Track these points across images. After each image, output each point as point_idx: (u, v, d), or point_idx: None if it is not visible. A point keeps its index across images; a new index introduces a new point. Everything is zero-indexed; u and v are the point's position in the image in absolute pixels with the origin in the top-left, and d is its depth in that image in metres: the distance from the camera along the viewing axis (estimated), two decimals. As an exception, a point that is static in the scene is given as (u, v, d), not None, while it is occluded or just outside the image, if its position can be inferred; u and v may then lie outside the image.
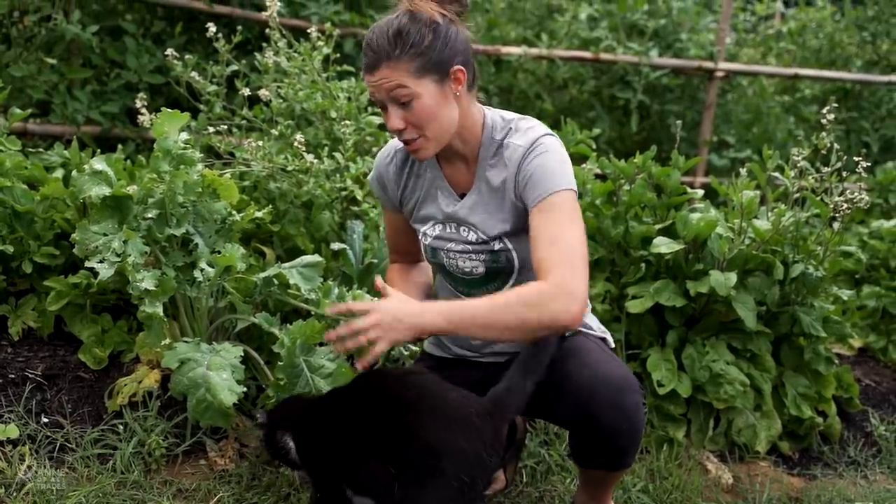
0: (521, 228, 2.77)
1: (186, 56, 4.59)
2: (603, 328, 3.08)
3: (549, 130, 2.76)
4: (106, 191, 3.22)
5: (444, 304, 2.60)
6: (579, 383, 2.61)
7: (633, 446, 2.67)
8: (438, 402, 2.53)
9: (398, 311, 2.56)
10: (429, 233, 2.93)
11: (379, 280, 2.67)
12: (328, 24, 4.61)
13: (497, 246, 2.81)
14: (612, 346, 3.04)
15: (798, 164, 3.99)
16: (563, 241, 2.60)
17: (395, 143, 2.98)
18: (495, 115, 2.84)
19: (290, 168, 4.08)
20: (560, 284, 2.54)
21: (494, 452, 2.50)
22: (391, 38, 2.60)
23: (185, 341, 3.17)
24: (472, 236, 2.83)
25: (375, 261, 3.96)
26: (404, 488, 2.44)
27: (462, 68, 2.70)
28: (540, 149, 2.69)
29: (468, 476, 2.44)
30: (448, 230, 2.88)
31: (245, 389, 3.07)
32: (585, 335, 2.91)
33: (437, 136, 2.69)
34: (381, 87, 2.63)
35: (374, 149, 4.40)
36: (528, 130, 2.75)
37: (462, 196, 2.84)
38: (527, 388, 2.57)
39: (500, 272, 2.86)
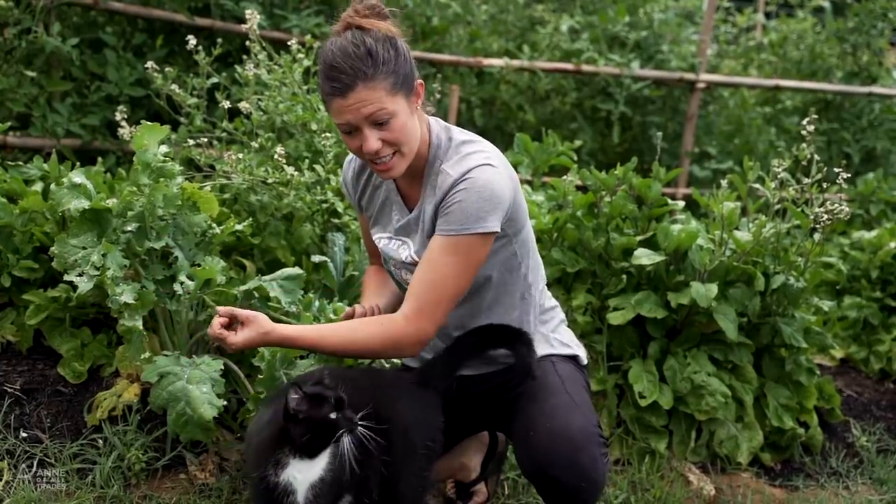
0: None
1: (167, 68, 4.57)
2: (577, 342, 3.09)
3: (487, 159, 2.69)
4: (85, 204, 3.20)
5: (299, 340, 2.70)
6: (537, 438, 2.70)
7: (596, 496, 2.73)
8: (389, 382, 2.78)
9: (259, 342, 2.68)
10: (380, 245, 2.96)
11: (222, 310, 2.73)
12: (309, 37, 4.61)
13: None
14: (585, 362, 3.06)
15: (779, 175, 4.01)
16: (440, 285, 2.68)
17: None
18: (441, 132, 2.79)
19: (270, 180, 4.07)
20: (416, 336, 2.70)
21: (439, 413, 2.79)
22: (363, 58, 2.55)
23: (165, 355, 3.16)
24: (405, 254, 2.84)
25: (356, 273, 3.95)
26: (390, 473, 2.60)
27: (422, 81, 2.71)
28: (466, 183, 2.64)
29: (432, 441, 2.72)
30: (392, 245, 2.90)
31: (225, 403, 3.05)
32: (552, 362, 2.93)
33: (409, 151, 2.68)
34: (360, 110, 2.57)
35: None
36: (464, 158, 2.70)
37: (411, 211, 2.85)
38: (451, 361, 2.86)
39: None
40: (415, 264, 2.79)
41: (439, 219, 2.68)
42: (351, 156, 3.00)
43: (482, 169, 2.66)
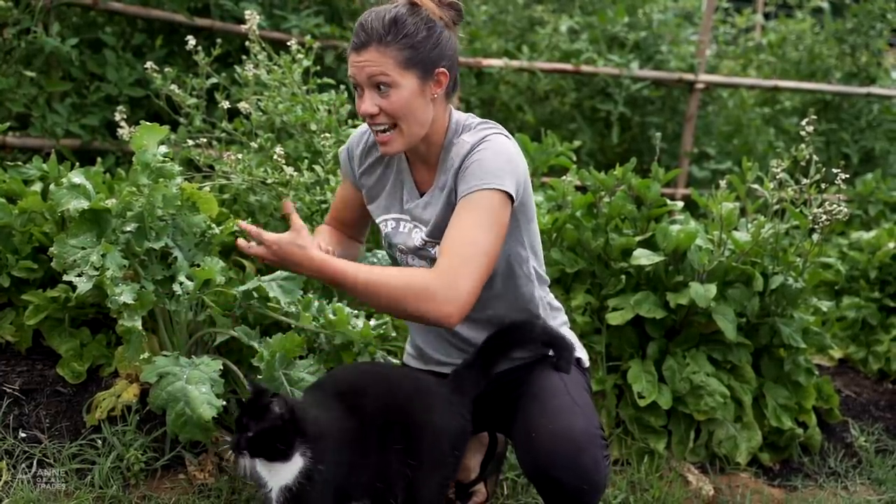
0: None
1: (166, 69, 4.58)
2: (579, 345, 3.10)
3: (504, 132, 2.77)
4: (84, 204, 3.20)
5: (332, 266, 2.62)
6: (539, 440, 2.70)
7: (597, 498, 2.73)
8: (427, 389, 2.73)
9: (293, 259, 2.61)
10: (383, 227, 2.96)
11: (289, 205, 2.66)
12: (308, 37, 4.61)
13: (436, 253, 2.81)
14: (587, 365, 3.06)
15: (778, 176, 4.01)
16: (469, 240, 2.61)
17: None
18: (461, 119, 2.84)
19: (270, 181, 4.07)
20: (448, 285, 2.56)
21: (470, 422, 2.75)
22: (386, 23, 2.62)
23: (164, 355, 3.16)
24: (417, 237, 2.84)
25: (356, 273, 3.95)
26: (415, 477, 2.60)
27: (446, 71, 2.73)
28: (484, 144, 2.69)
29: (459, 450, 2.70)
30: (402, 228, 2.91)
31: (224, 403, 3.05)
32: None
33: (410, 131, 2.70)
34: (364, 68, 2.64)
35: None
36: (481, 129, 2.76)
37: (423, 194, 2.86)
38: (484, 366, 2.82)
39: None
40: (424, 247, 2.82)
41: (459, 184, 2.70)
42: (365, 129, 3.01)
43: (498, 137, 2.73)
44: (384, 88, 2.64)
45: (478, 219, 2.63)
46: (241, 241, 2.65)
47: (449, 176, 2.75)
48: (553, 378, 2.88)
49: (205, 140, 4.25)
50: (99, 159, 4.77)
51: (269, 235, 2.59)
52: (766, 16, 11.48)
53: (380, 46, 2.62)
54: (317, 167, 4.20)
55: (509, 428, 2.92)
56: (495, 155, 2.67)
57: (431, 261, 2.84)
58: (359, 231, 3.23)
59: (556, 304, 3.13)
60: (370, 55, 2.63)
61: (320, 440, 2.48)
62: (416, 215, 2.87)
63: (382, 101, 2.65)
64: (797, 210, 3.99)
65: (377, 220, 2.99)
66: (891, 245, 5.48)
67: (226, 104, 4.34)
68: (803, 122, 4.03)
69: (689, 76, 8.31)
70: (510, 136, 2.79)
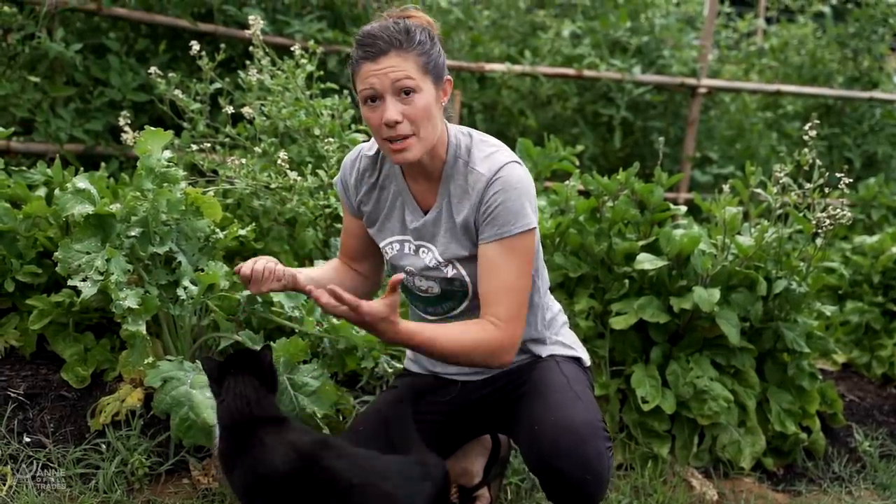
0: (476, 255, 2.77)
1: (170, 74, 4.59)
2: (580, 345, 3.11)
3: (511, 156, 2.74)
4: (89, 209, 3.21)
5: (417, 339, 2.60)
6: (542, 431, 2.71)
7: (601, 491, 2.74)
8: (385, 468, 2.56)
9: (377, 331, 2.55)
10: (388, 250, 2.93)
11: (398, 279, 2.53)
12: (312, 42, 4.61)
13: (451, 273, 2.81)
14: (588, 364, 3.06)
15: (781, 180, 4.01)
16: (518, 289, 2.71)
17: (362, 148, 2.96)
18: (459, 135, 2.81)
19: (273, 185, 4.08)
20: (510, 339, 2.70)
21: (438, 469, 2.63)
22: (402, 30, 2.61)
23: (169, 359, 3.17)
24: (429, 258, 2.83)
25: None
26: None
27: (451, 79, 2.74)
28: (501, 182, 2.67)
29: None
30: (406, 249, 2.88)
31: (228, 407, 3.05)
32: (557, 361, 2.94)
33: (427, 137, 2.67)
34: (387, 75, 2.59)
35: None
36: (490, 157, 2.73)
37: (426, 212, 2.84)
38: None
39: (455, 294, 2.87)
40: (437, 268, 2.81)
41: (485, 225, 2.70)
42: (356, 154, 2.97)
43: (512, 167, 2.71)
44: (408, 94, 2.61)
45: (520, 266, 2.70)
46: (318, 294, 2.48)
47: (465, 207, 2.73)
48: (555, 375, 2.89)
49: (208, 145, 4.27)
50: (103, 164, 4.78)
51: (366, 307, 2.47)
52: (768, 20, 11.48)
53: (401, 52, 2.59)
54: (320, 172, 4.20)
55: (512, 425, 2.92)
56: (517, 192, 2.68)
57: (441, 280, 2.84)
58: (370, 264, 3.11)
59: (556, 307, 3.13)
60: (392, 61, 2.59)
61: (239, 444, 2.54)
62: (422, 234, 2.84)
63: (406, 107, 2.61)
64: (800, 214, 3.99)
65: (381, 245, 2.96)
66: (894, 249, 5.47)
67: (229, 109, 4.35)
68: (806, 127, 4.03)
69: (692, 81, 8.31)
70: (514, 155, 2.77)
